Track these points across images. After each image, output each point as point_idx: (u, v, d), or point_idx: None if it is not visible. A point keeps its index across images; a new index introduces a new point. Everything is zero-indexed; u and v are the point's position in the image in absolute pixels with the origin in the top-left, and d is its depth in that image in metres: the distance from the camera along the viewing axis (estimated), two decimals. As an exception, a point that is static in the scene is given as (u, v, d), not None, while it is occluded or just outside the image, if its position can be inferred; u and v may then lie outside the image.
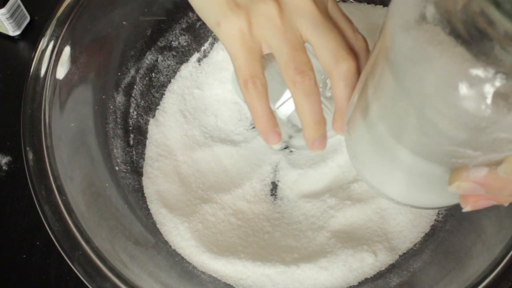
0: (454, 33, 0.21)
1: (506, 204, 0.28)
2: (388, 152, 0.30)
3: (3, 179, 0.50)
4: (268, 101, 0.36)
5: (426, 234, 0.45)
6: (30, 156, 0.40)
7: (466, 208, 0.28)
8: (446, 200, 0.32)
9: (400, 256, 0.44)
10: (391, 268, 0.44)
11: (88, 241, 0.38)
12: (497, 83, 0.21)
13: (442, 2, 0.21)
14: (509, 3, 0.19)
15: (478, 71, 0.21)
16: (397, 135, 0.28)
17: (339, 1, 0.53)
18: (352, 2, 0.54)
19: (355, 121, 0.33)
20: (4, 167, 0.51)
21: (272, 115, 0.37)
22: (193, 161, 0.48)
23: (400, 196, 0.34)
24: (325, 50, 0.34)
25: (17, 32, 0.56)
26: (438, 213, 0.45)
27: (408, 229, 0.45)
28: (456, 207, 0.44)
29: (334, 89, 0.36)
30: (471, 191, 0.26)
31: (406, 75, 0.24)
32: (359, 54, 0.36)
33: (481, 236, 0.40)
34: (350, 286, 0.43)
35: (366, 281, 0.43)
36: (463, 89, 0.21)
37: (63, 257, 0.38)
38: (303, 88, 0.35)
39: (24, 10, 0.55)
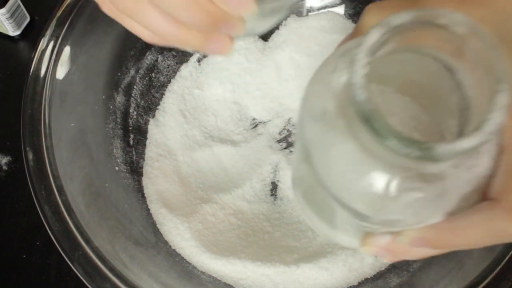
0: (348, 127, 0.24)
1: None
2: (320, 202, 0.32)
3: (3, 179, 0.50)
4: None
5: (426, 234, 0.45)
6: (30, 156, 0.40)
7: (384, 261, 0.34)
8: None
9: (400, 256, 0.44)
10: (391, 268, 0.44)
11: (88, 241, 0.38)
12: (383, 174, 0.24)
13: (339, 101, 0.23)
14: (377, 122, 0.21)
15: (367, 163, 0.24)
16: (315, 206, 0.32)
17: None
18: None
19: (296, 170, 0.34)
20: (4, 167, 0.51)
21: None
22: (193, 161, 0.48)
23: (334, 238, 0.35)
24: None
25: (17, 32, 0.56)
26: (438, 213, 0.45)
27: (408, 229, 0.45)
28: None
29: None
30: (379, 255, 0.29)
31: (312, 157, 0.26)
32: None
33: (481, 236, 0.40)
34: (350, 286, 0.43)
35: (366, 281, 0.43)
36: (355, 176, 0.24)
37: (63, 257, 0.38)
38: None
39: (24, 10, 0.55)
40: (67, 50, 0.44)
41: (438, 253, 0.29)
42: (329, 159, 0.26)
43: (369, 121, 0.21)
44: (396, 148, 0.21)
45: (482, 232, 0.25)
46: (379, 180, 0.24)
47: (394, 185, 0.24)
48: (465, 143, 0.21)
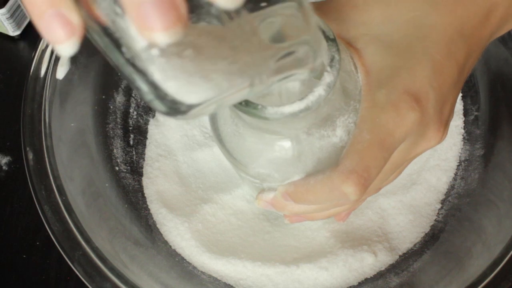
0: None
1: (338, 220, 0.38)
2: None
3: (3, 179, 0.50)
4: None
5: (426, 234, 0.45)
6: (30, 156, 0.40)
7: (285, 221, 0.37)
8: None
9: (400, 256, 0.44)
10: (391, 268, 0.44)
11: (88, 241, 0.38)
12: (251, 136, 0.31)
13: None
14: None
15: (243, 127, 0.31)
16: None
17: None
18: None
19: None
20: (4, 167, 0.51)
21: None
22: (193, 161, 0.48)
23: None
24: None
25: (17, 32, 0.56)
26: (438, 213, 0.45)
27: (408, 229, 0.45)
28: (457, 208, 0.44)
29: None
30: (267, 208, 0.34)
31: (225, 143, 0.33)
32: None
33: (481, 236, 0.40)
34: (350, 286, 0.43)
35: (366, 281, 0.43)
36: (237, 137, 0.32)
37: (63, 257, 0.38)
38: None
39: (24, 10, 0.55)
40: (67, 50, 0.44)
41: (306, 211, 0.33)
42: (226, 134, 0.33)
43: (243, 104, 0.27)
44: (252, 113, 0.27)
45: (324, 191, 0.29)
46: (250, 140, 0.31)
47: (259, 144, 0.30)
48: (287, 108, 0.26)
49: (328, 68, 0.27)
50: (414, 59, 0.29)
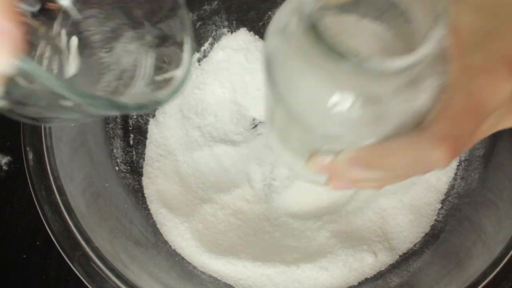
0: (301, 40, 0.25)
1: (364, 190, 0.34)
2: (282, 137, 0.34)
3: (3, 179, 0.50)
4: None
5: (426, 234, 0.45)
6: (30, 156, 0.40)
7: (329, 186, 0.33)
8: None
9: (400, 256, 0.44)
10: (391, 268, 0.44)
11: (88, 241, 0.38)
12: (328, 87, 0.26)
13: (301, 14, 0.24)
14: (320, 32, 0.23)
15: (316, 75, 0.26)
16: (279, 131, 0.33)
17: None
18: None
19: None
20: (4, 167, 0.51)
21: None
22: (193, 161, 0.48)
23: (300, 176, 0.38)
24: None
25: (17, 32, 0.56)
26: (438, 213, 0.45)
27: (408, 229, 0.45)
28: (457, 208, 0.44)
29: None
30: (320, 172, 0.31)
31: (272, 73, 0.28)
32: None
33: (481, 236, 0.40)
34: (350, 286, 0.43)
35: (366, 281, 0.43)
36: (305, 86, 0.26)
37: (63, 257, 0.38)
38: None
39: None
40: (67, 50, 0.44)
41: (370, 178, 0.30)
42: (286, 70, 0.27)
43: (314, 30, 0.23)
44: (336, 60, 0.22)
45: (407, 156, 0.27)
46: (325, 92, 0.26)
47: (337, 99, 0.26)
48: (397, 61, 0.23)
49: (438, 21, 0.23)
50: (507, 25, 0.27)
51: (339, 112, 0.26)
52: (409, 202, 0.45)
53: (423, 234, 0.45)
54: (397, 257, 0.44)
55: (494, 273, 0.36)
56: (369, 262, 0.43)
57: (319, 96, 0.26)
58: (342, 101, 0.26)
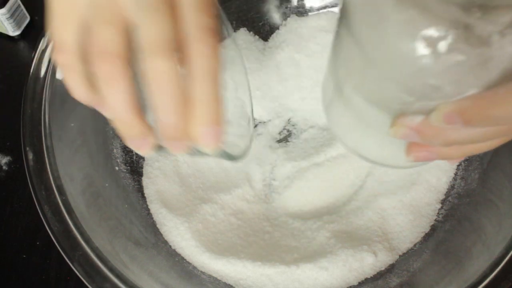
0: None
1: (452, 163, 0.32)
2: (356, 110, 0.31)
3: (3, 179, 0.50)
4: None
5: (426, 234, 0.45)
6: (30, 156, 0.40)
7: (409, 158, 0.29)
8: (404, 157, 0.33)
9: (400, 256, 0.44)
10: (391, 268, 0.44)
11: (88, 241, 0.38)
12: (429, 28, 0.23)
13: None
14: None
15: (414, 15, 0.23)
16: (357, 88, 0.30)
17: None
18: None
19: (327, 87, 0.34)
20: (4, 167, 0.51)
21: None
22: (193, 161, 0.48)
23: (373, 155, 0.34)
24: (141, 36, 0.26)
25: (17, 32, 0.56)
26: (438, 213, 0.45)
27: (408, 229, 0.45)
28: (457, 208, 0.44)
29: (149, 92, 0.27)
30: (407, 137, 0.27)
31: (354, 26, 0.26)
32: (191, 59, 0.27)
33: (481, 236, 0.40)
34: (350, 286, 0.43)
35: (366, 281, 0.43)
36: (398, 32, 0.24)
37: (63, 257, 0.38)
38: (103, 74, 0.27)
39: (24, 10, 0.55)
40: (67, 50, 0.44)
41: (469, 139, 0.26)
42: (368, 16, 0.25)
43: None
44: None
45: None
46: (424, 34, 0.23)
47: (437, 42, 0.23)
48: None
49: None
50: None
51: (441, 58, 0.23)
52: (409, 202, 0.45)
53: (423, 234, 0.45)
54: (397, 257, 0.44)
55: (494, 273, 0.36)
56: (369, 262, 0.43)
57: (419, 42, 0.23)
58: (445, 46, 0.23)
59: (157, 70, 0.26)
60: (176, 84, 0.26)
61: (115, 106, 0.28)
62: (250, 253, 0.44)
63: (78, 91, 0.29)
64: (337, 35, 0.29)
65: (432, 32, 0.23)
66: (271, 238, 0.46)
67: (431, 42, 0.23)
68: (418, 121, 0.26)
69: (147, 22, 0.26)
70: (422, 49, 0.23)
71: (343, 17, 0.27)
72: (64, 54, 0.28)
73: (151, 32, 0.26)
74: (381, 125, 0.29)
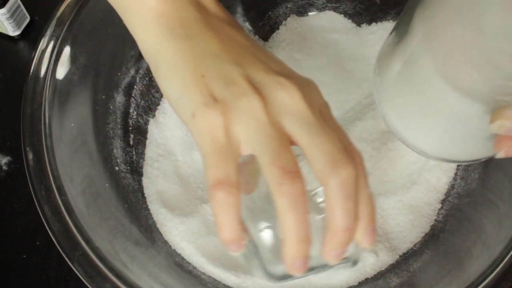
0: None
1: None
2: (428, 91, 0.28)
3: (3, 179, 0.50)
4: (238, 212, 0.29)
5: (426, 234, 0.45)
6: (30, 156, 0.40)
7: (500, 154, 0.27)
8: (481, 150, 0.30)
9: (400, 256, 0.44)
10: (391, 268, 0.44)
11: (88, 241, 0.38)
12: None
13: None
14: None
15: None
16: (443, 68, 0.26)
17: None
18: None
19: (390, 58, 0.30)
20: (4, 167, 0.51)
21: (239, 226, 0.30)
22: (193, 161, 0.48)
23: (432, 147, 0.32)
24: (320, 153, 0.28)
25: (17, 32, 0.56)
26: (438, 213, 0.45)
27: (408, 229, 0.45)
28: (457, 208, 0.44)
29: (330, 202, 0.29)
30: (505, 132, 0.26)
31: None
32: (357, 166, 0.29)
33: (481, 236, 0.40)
34: (351, 286, 0.43)
35: (366, 281, 0.43)
36: None
37: (63, 257, 0.38)
38: (290, 193, 0.28)
39: (24, 10, 0.55)
40: (67, 50, 0.44)
41: None
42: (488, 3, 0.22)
43: None
44: None
45: None
46: None
47: None
48: None
49: None
50: None
51: None
52: (409, 202, 0.45)
53: (423, 234, 0.45)
54: (397, 257, 0.44)
55: (494, 273, 0.36)
56: (369, 262, 0.43)
57: None
58: None
59: (344, 177, 0.28)
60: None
61: (297, 228, 0.29)
62: (250, 253, 0.44)
63: (233, 228, 0.30)
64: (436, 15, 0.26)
65: None
66: (271, 238, 0.45)
67: None
68: None
69: (320, 141, 0.29)
70: None
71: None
72: (228, 190, 0.29)
73: (326, 147, 0.29)
74: (468, 118, 0.27)
